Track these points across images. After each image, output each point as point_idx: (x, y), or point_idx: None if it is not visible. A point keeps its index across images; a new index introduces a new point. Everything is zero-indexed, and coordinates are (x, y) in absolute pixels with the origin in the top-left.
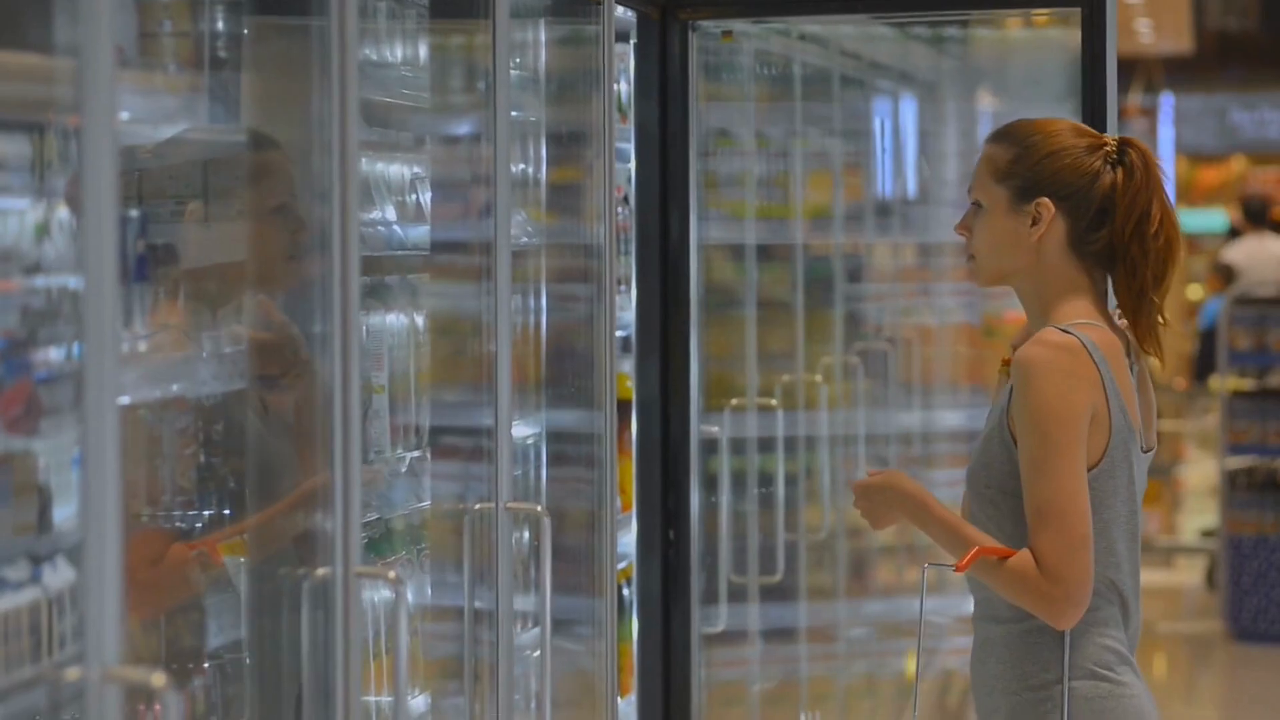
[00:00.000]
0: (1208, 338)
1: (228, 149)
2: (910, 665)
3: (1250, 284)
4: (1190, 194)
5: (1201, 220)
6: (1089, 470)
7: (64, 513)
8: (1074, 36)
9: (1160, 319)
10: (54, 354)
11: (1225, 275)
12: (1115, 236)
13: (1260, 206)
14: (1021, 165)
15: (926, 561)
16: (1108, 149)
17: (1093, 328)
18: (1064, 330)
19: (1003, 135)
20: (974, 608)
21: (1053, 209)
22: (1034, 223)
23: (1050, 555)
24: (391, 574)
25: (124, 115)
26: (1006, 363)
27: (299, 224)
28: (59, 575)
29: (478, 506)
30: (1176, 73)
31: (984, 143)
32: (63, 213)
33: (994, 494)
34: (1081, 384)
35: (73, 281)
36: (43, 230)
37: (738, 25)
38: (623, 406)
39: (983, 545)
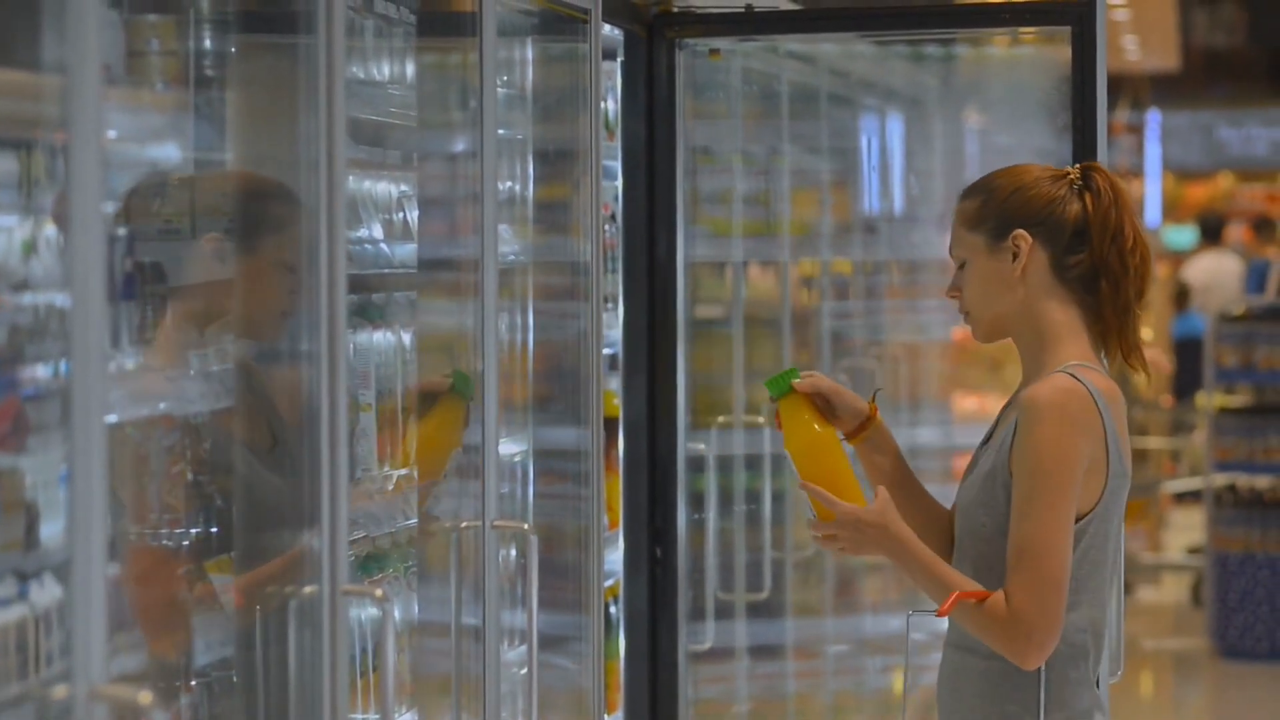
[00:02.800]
0: (1180, 352)
1: (217, 169)
2: (897, 683)
3: (1210, 302)
4: (1177, 211)
5: (1188, 237)
6: (1084, 515)
7: (51, 530)
8: (1061, 53)
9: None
10: (41, 371)
11: (1180, 294)
12: (1095, 256)
13: (1217, 223)
14: (990, 207)
15: (910, 610)
16: (1071, 177)
17: (1094, 372)
18: (1071, 375)
19: (968, 191)
20: (949, 633)
21: (1029, 238)
22: (1015, 257)
23: (1020, 597)
24: (378, 592)
25: (111, 133)
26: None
27: (297, 283)
28: (46, 592)
29: (465, 524)
30: (1163, 90)
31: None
32: (50, 230)
33: (989, 532)
34: (1083, 433)
35: (60, 299)
36: (30, 247)
37: (724, 43)
38: (610, 424)
39: (961, 589)
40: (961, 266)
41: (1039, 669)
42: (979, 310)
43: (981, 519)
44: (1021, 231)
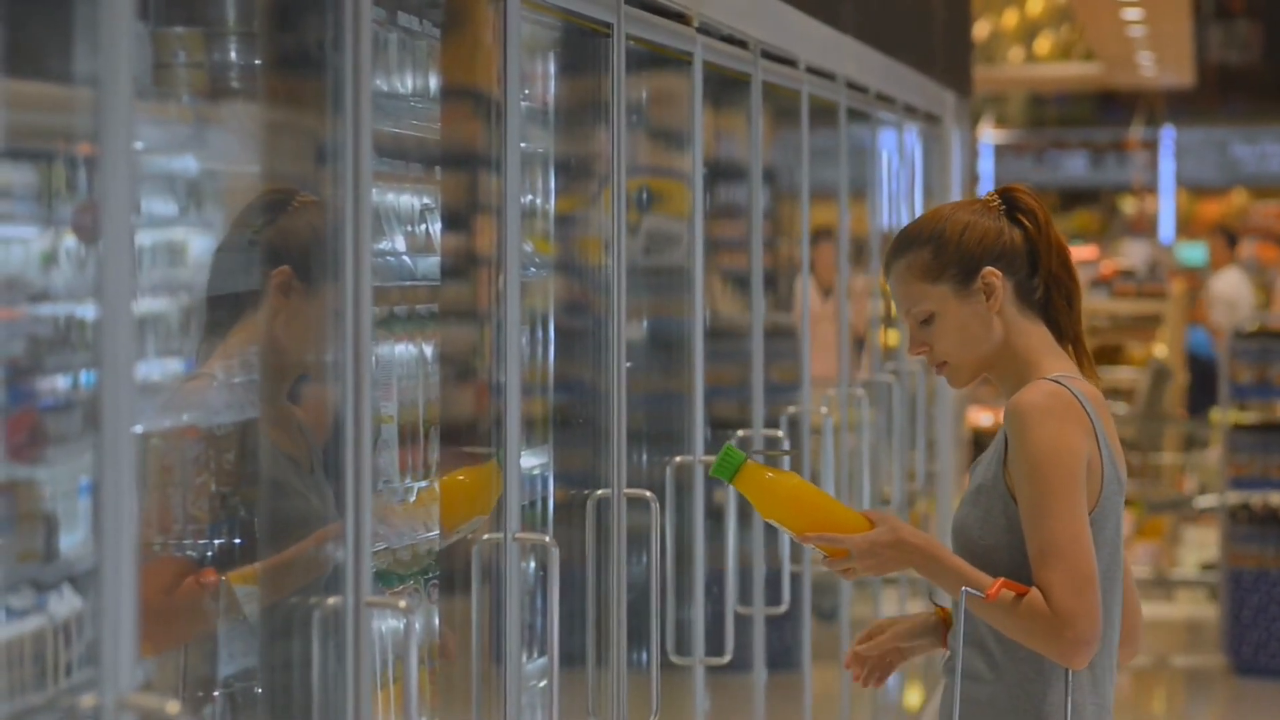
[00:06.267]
0: (1193, 367)
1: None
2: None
3: (1235, 316)
4: (1191, 227)
5: (1203, 254)
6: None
7: (70, 541)
8: None
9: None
10: (60, 382)
11: (1194, 309)
12: (1045, 275)
13: (1234, 236)
14: (945, 254)
15: (962, 588)
16: (994, 204)
17: (1077, 380)
18: (1053, 381)
19: (905, 246)
20: (949, 658)
21: (999, 274)
22: (988, 295)
23: (1058, 594)
24: (402, 604)
25: (138, 145)
26: None
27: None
28: (65, 603)
29: (486, 537)
30: (1178, 106)
31: (889, 265)
32: (70, 241)
33: (983, 546)
34: (1075, 429)
35: (79, 310)
36: (49, 258)
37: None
38: None
39: (1005, 580)
40: (925, 321)
41: (1063, 693)
42: (960, 357)
43: (975, 532)
44: (990, 268)
